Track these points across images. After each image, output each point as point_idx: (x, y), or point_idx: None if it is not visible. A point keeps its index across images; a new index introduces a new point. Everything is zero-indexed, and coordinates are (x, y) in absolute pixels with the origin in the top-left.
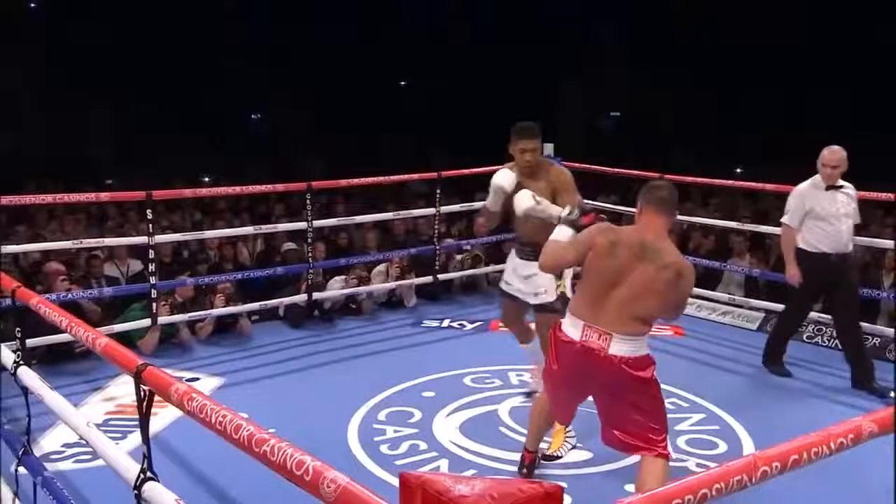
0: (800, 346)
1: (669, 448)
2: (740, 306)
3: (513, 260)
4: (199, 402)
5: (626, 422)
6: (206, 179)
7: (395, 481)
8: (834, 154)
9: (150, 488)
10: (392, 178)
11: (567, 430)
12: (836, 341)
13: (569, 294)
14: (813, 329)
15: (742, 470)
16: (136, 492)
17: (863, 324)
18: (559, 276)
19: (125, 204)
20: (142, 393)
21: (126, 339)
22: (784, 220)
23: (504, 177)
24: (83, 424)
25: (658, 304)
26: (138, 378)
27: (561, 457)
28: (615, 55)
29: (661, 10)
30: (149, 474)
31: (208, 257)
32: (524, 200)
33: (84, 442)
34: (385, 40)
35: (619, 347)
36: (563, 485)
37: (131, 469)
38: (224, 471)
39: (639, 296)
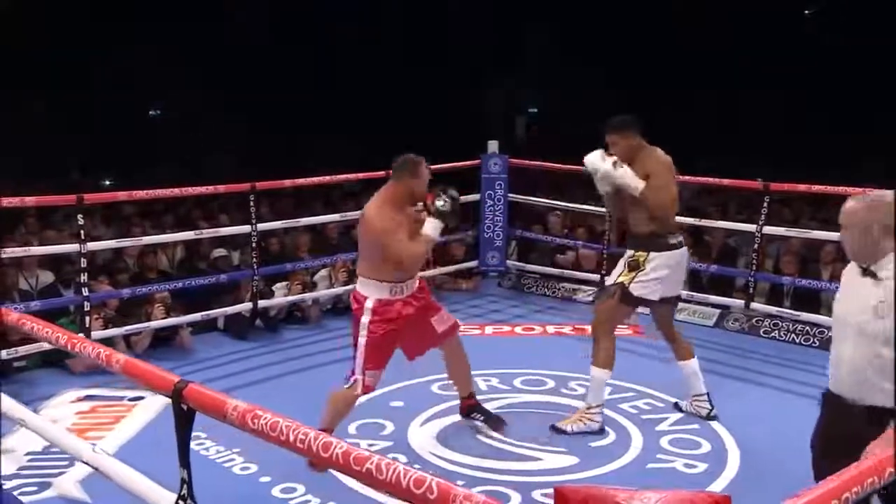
0: (756, 341)
1: (356, 387)
2: (693, 302)
3: None
4: (268, 420)
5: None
6: (108, 183)
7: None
8: None
9: None
10: (337, 177)
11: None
12: (793, 335)
13: (630, 288)
14: (769, 324)
15: (873, 472)
16: None
17: (812, 315)
18: (632, 269)
19: (27, 210)
20: (180, 411)
21: (52, 357)
22: None
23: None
24: (87, 450)
25: (365, 246)
26: (178, 396)
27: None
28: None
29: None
30: (189, 502)
31: (127, 266)
32: (594, 157)
33: (24, 473)
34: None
35: (357, 284)
36: (729, 495)
37: (164, 497)
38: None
39: (360, 242)
